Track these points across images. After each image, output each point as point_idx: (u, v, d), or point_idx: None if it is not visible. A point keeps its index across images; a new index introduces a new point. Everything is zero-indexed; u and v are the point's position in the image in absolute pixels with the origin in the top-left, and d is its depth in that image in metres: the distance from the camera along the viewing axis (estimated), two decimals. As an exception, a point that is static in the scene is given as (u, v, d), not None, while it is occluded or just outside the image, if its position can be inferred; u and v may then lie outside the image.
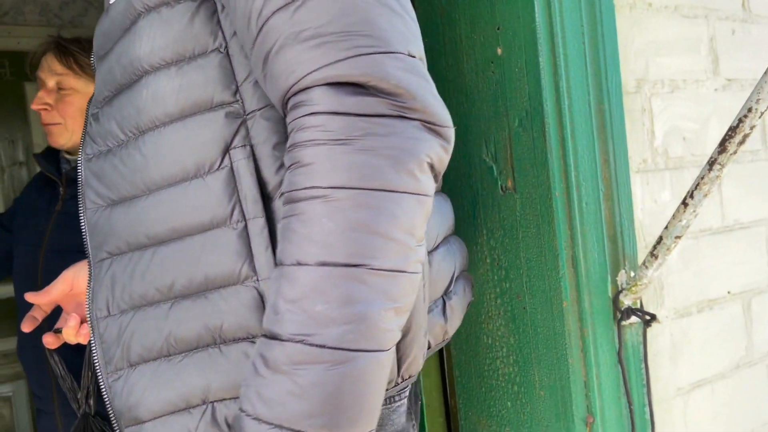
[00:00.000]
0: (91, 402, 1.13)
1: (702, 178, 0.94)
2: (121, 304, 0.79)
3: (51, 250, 1.62)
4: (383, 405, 0.80)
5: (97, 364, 0.81)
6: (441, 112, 0.65)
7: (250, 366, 0.62)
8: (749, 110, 0.88)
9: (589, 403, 1.06)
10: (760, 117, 0.88)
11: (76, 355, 1.19)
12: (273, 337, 0.60)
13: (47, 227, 1.64)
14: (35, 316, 1.04)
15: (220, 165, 0.72)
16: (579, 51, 1.06)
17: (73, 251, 1.18)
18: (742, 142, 0.90)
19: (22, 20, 3.06)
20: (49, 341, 1.00)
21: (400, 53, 0.63)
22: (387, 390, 0.76)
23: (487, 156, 1.15)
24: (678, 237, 1.00)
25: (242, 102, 0.73)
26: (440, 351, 1.37)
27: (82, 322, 0.99)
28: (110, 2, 0.81)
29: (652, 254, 1.03)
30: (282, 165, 0.71)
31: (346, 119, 0.60)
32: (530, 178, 1.08)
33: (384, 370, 0.62)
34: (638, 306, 1.10)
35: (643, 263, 1.05)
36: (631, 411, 1.08)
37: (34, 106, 1.60)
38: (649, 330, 1.12)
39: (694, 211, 0.97)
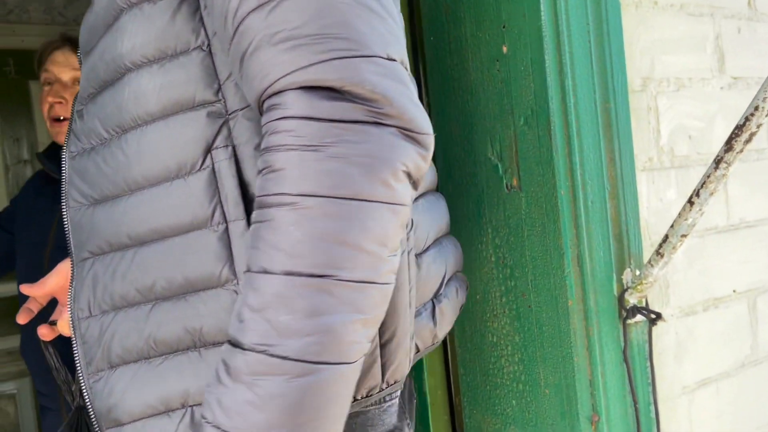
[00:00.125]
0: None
1: (708, 176, 0.94)
2: (102, 305, 0.78)
3: (56, 247, 1.63)
4: (372, 405, 0.79)
5: (78, 364, 0.81)
6: (419, 119, 0.62)
7: (214, 373, 0.61)
8: (756, 108, 0.88)
9: (594, 402, 1.06)
10: (766, 115, 0.87)
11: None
12: (236, 345, 0.59)
13: (51, 225, 1.64)
14: (30, 308, 1.04)
15: (201, 165, 0.71)
16: (585, 49, 1.06)
17: (79, 248, 1.18)
18: (748, 141, 0.90)
19: (26, 18, 3.07)
20: (44, 333, 1.00)
21: (377, 57, 0.61)
22: (371, 395, 0.75)
23: (493, 154, 1.14)
24: (684, 235, 1.00)
25: (224, 101, 0.71)
26: (445, 349, 1.37)
27: None
28: None
29: (658, 253, 1.03)
30: None
31: (318, 125, 0.59)
32: (536, 176, 1.08)
33: (349, 382, 0.61)
34: (644, 304, 1.10)
35: (649, 262, 1.05)
36: (636, 409, 1.08)
37: (50, 99, 1.60)
38: (654, 328, 1.12)
39: (700, 210, 0.96)
